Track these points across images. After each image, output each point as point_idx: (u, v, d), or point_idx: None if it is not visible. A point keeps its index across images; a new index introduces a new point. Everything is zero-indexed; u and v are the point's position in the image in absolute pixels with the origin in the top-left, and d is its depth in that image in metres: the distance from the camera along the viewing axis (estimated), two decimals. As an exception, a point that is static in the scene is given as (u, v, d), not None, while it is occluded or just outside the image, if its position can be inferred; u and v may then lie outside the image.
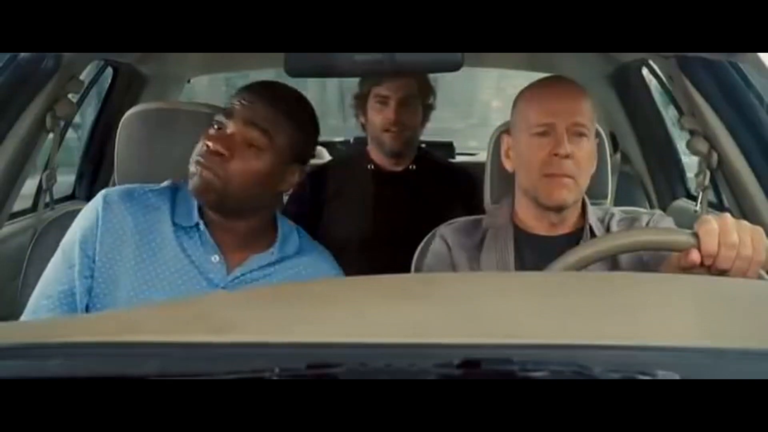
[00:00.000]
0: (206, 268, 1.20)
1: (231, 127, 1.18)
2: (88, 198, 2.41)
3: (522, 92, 1.35)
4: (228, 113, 1.20)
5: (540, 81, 1.35)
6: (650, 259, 1.23)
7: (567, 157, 1.24)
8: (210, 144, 1.16)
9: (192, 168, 1.17)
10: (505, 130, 1.40)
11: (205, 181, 1.16)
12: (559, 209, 1.29)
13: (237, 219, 1.22)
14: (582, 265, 0.98)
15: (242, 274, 1.21)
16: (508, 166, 1.36)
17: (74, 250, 1.19)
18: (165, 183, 1.28)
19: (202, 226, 1.21)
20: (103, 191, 1.24)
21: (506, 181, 1.39)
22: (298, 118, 1.23)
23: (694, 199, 1.97)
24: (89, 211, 1.22)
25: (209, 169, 1.15)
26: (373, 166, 2.02)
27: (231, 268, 1.22)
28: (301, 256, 1.28)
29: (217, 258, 1.21)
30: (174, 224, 1.21)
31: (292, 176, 1.25)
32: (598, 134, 1.37)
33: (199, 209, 1.23)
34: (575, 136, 1.26)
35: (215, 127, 1.19)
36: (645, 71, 2.35)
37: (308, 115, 1.27)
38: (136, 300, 1.16)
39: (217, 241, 1.21)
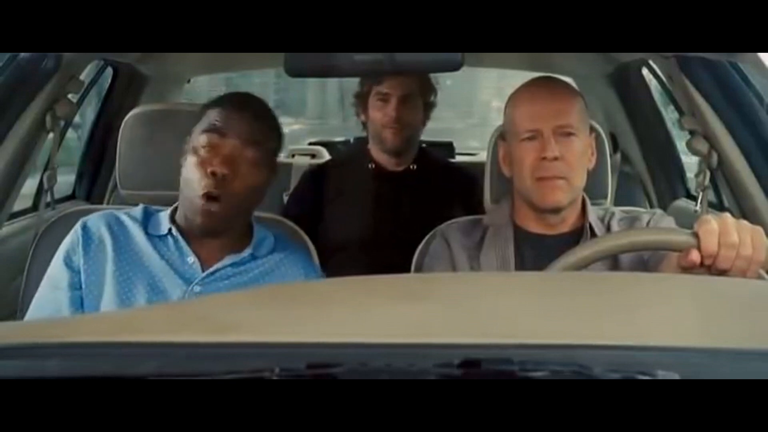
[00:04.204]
0: (182, 270, 1.26)
1: (227, 146, 1.22)
2: (88, 198, 2.44)
3: (510, 98, 1.36)
4: (219, 131, 1.22)
5: (525, 85, 1.36)
6: (650, 259, 1.23)
7: (555, 159, 1.25)
8: (215, 169, 1.19)
9: (198, 201, 1.20)
10: (500, 135, 1.41)
11: (215, 212, 1.21)
12: (555, 211, 1.30)
13: (219, 234, 1.27)
14: (582, 265, 0.98)
15: (216, 270, 1.27)
16: (505, 171, 1.37)
17: (59, 270, 1.26)
18: (137, 207, 1.35)
19: (174, 232, 1.28)
20: (80, 220, 1.30)
21: (506, 180, 1.39)
22: (275, 126, 1.30)
23: (694, 199, 1.97)
24: (70, 237, 1.28)
25: (217, 198, 1.20)
26: (374, 166, 2.02)
27: (207, 268, 1.27)
28: (275, 254, 1.33)
29: (192, 259, 1.27)
30: (148, 234, 1.28)
31: (275, 167, 1.32)
32: (594, 130, 1.38)
33: (172, 219, 1.30)
34: (563, 136, 1.27)
35: (205, 146, 1.22)
36: (645, 71, 2.36)
37: (276, 120, 1.33)
38: (119, 303, 1.21)
39: (193, 246, 1.27)
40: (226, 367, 0.52)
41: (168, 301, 1.21)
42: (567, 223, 1.33)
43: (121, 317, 0.80)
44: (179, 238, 1.28)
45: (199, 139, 1.23)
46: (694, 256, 0.96)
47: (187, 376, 0.52)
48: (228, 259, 1.28)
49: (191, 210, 1.23)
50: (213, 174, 1.20)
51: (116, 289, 1.23)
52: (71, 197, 2.44)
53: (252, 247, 1.30)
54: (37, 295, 1.28)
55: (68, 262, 1.26)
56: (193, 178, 1.22)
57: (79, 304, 1.24)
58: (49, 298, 1.25)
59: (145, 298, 1.23)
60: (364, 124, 2.05)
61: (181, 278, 1.25)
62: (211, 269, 1.27)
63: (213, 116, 1.24)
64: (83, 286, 1.24)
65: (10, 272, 1.70)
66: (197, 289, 1.25)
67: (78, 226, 1.28)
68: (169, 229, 1.28)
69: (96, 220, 1.29)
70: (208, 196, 1.20)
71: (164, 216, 1.31)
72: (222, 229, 1.26)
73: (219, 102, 1.28)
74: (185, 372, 0.53)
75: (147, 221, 1.31)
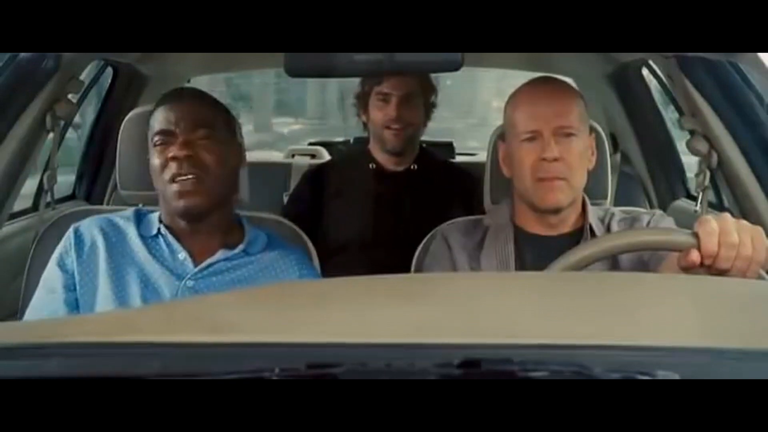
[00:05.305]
0: (174, 266, 1.28)
1: (180, 136, 1.26)
2: (88, 198, 2.44)
3: (509, 98, 1.36)
4: (167, 133, 1.27)
5: (525, 85, 1.36)
6: (650, 260, 1.23)
7: (555, 160, 1.25)
8: (175, 153, 1.24)
9: (174, 187, 1.25)
10: (500, 135, 1.41)
11: (194, 187, 1.24)
12: (556, 211, 1.30)
13: (203, 220, 1.30)
14: (582, 265, 0.98)
15: (209, 265, 1.29)
16: (505, 171, 1.37)
17: (54, 274, 1.28)
18: (128, 210, 1.38)
19: (164, 231, 1.30)
20: (72, 226, 1.33)
21: (506, 181, 1.39)
22: (215, 102, 1.37)
23: (694, 199, 1.96)
24: (62, 242, 1.31)
25: (189, 174, 1.24)
26: (374, 166, 2.02)
27: (198, 263, 1.29)
28: (269, 251, 1.34)
29: (183, 255, 1.29)
30: (140, 236, 1.31)
31: (238, 152, 1.36)
32: (593, 130, 1.38)
33: (161, 219, 1.33)
34: (563, 137, 1.27)
35: (160, 143, 1.27)
36: (645, 71, 2.35)
37: (220, 103, 1.39)
38: (113, 301, 1.24)
39: (183, 243, 1.30)
40: (226, 367, 0.52)
41: (168, 301, 1.21)
42: (567, 223, 1.33)
43: (121, 317, 0.80)
44: (168, 235, 1.30)
45: (153, 139, 1.28)
46: (694, 256, 0.96)
47: (187, 376, 0.52)
48: (220, 254, 1.30)
49: (168, 199, 1.27)
50: (174, 158, 1.24)
51: (111, 287, 1.25)
52: (71, 197, 2.44)
53: (245, 244, 1.32)
54: (33, 300, 1.29)
55: (62, 265, 1.28)
56: (156, 168, 1.26)
57: (74, 305, 1.26)
58: (45, 302, 1.27)
59: (139, 295, 1.24)
60: (365, 125, 2.05)
61: (173, 274, 1.27)
62: (204, 264, 1.29)
63: (160, 117, 1.29)
64: (78, 287, 1.26)
65: (10, 272, 1.69)
66: (190, 283, 1.27)
67: (70, 232, 1.31)
68: (159, 229, 1.31)
69: (88, 225, 1.32)
70: (177, 177, 1.24)
71: (154, 217, 1.33)
72: (204, 214, 1.29)
73: (161, 101, 1.32)
74: (185, 372, 0.53)
75: (139, 222, 1.33)
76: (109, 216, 1.35)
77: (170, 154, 1.24)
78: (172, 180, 1.24)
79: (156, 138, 1.27)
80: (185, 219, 1.29)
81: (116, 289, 1.25)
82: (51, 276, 1.28)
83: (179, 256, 1.29)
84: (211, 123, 1.30)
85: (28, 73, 1.67)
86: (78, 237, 1.29)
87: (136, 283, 1.25)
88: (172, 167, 1.24)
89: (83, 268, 1.27)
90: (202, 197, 1.25)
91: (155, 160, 1.27)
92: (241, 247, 1.31)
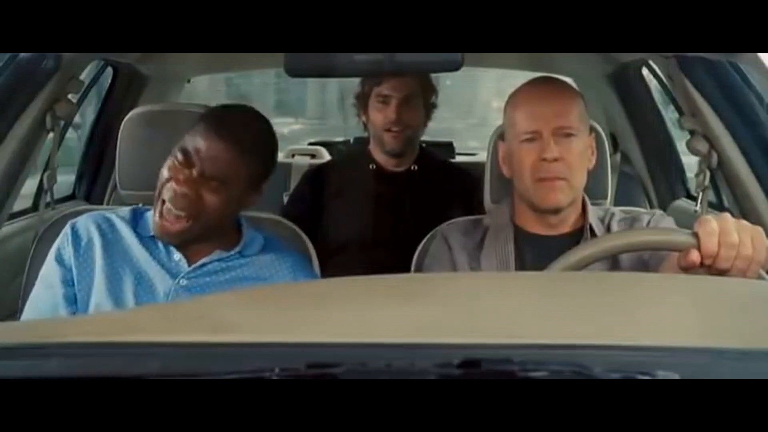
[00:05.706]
0: (169, 266, 1.29)
1: (193, 170, 1.22)
2: (88, 198, 2.44)
3: (509, 98, 1.36)
4: (188, 158, 1.22)
5: (525, 85, 1.36)
6: (650, 260, 1.23)
7: (555, 160, 1.25)
8: (177, 186, 1.21)
9: (157, 215, 1.23)
10: (500, 135, 1.41)
11: (176, 227, 1.23)
12: (556, 211, 1.30)
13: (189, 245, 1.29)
14: (582, 265, 0.98)
15: (203, 265, 1.29)
16: (505, 172, 1.37)
17: (52, 268, 1.28)
18: (126, 208, 1.37)
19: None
20: (68, 222, 1.33)
21: (506, 181, 1.39)
22: (257, 155, 1.28)
23: (694, 199, 1.97)
24: (59, 238, 1.31)
25: (178, 210, 1.22)
26: (374, 166, 2.02)
27: (194, 263, 1.30)
28: (265, 254, 1.34)
29: (179, 256, 1.29)
30: (137, 234, 1.31)
31: (249, 200, 1.31)
32: (594, 130, 1.38)
33: None
34: (562, 137, 1.27)
35: (178, 162, 1.22)
36: (645, 71, 2.35)
37: (268, 148, 1.32)
38: (107, 297, 1.24)
39: (180, 247, 1.29)
40: (226, 367, 0.52)
41: (168, 302, 1.22)
42: (567, 223, 1.33)
43: (121, 317, 0.80)
44: None
45: (176, 152, 1.24)
46: (694, 256, 0.96)
47: (187, 376, 0.52)
48: (215, 255, 1.30)
49: (156, 212, 1.24)
50: (173, 188, 1.21)
51: (106, 283, 1.25)
52: (71, 197, 2.44)
53: (240, 246, 1.32)
54: (31, 295, 1.30)
55: (59, 260, 1.29)
56: (163, 174, 1.24)
57: (73, 300, 1.26)
58: (44, 297, 1.27)
59: (132, 291, 1.25)
60: (365, 125, 2.05)
61: (168, 273, 1.27)
62: (198, 263, 1.29)
63: (195, 133, 1.24)
64: (75, 282, 1.27)
65: (10, 272, 1.70)
66: (184, 282, 1.27)
67: (67, 228, 1.31)
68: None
69: (84, 221, 1.32)
70: (165, 203, 1.22)
71: (151, 217, 1.32)
72: (186, 243, 1.27)
73: (208, 119, 1.27)
74: (185, 372, 0.53)
75: (136, 222, 1.33)
76: (106, 213, 1.35)
77: (174, 181, 1.21)
78: (163, 202, 1.22)
79: (178, 153, 1.23)
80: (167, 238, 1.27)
81: (110, 285, 1.25)
82: (49, 271, 1.29)
83: (175, 256, 1.29)
84: (230, 175, 1.23)
85: (28, 73, 1.67)
86: (75, 232, 1.30)
87: (131, 279, 1.26)
88: (169, 190, 1.21)
89: (80, 263, 1.28)
90: (182, 236, 1.24)
91: (165, 169, 1.23)
92: (236, 249, 1.32)
